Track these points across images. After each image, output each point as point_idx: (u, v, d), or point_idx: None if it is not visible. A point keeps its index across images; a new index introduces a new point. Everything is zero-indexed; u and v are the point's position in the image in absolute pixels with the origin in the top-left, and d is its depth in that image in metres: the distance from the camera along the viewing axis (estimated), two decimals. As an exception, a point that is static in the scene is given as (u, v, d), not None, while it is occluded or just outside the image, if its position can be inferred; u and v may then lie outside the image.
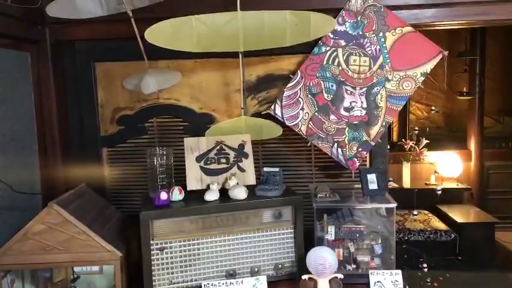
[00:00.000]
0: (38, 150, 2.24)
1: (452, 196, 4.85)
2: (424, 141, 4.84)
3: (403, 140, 4.97)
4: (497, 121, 5.77)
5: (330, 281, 1.71)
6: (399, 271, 1.78)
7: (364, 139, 2.08)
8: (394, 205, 1.83)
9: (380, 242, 1.91)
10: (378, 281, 1.78)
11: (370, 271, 1.79)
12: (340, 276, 1.73)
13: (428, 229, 4.28)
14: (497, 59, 5.55)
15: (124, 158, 2.35)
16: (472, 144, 5.18)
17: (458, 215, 4.50)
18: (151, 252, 1.75)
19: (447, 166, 5.06)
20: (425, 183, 5.03)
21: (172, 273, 1.78)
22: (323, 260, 1.70)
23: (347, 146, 2.09)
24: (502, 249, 4.43)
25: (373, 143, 2.09)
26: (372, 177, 1.91)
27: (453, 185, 5.00)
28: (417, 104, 5.82)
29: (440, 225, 4.35)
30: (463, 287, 3.39)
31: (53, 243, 1.78)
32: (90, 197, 2.11)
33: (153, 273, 1.75)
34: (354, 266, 1.89)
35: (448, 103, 5.85)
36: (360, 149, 2.09)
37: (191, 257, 1.79)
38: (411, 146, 4.90)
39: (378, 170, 1.94)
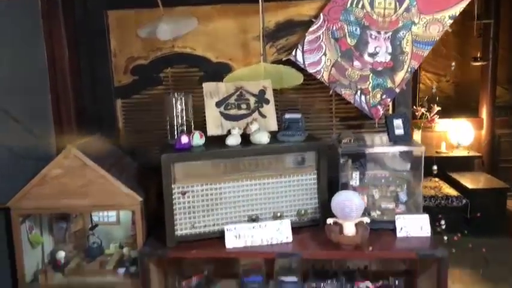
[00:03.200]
0: (51, 101, 2.19)
1: (463, 164, 4.82)
2: (436, 108, 4.77)
3: (414, 106, 4.88)
4: (507, 90, 5.68)
5: (356, 225, 1.68)
6: (426, 215, 1.74)
7: (388, 86, 2.02)
8: (422, 148, 1.78)
9: (405, 188, 1.86)
10: (404, 226, 1.73)
11: (396, 216, 1.75)
12: (367, 220, 1.69)
13: (440, 195, 4.25)
14: (509, 27, 5.41)
15: (139, 109, 2.28)
16: (484, 112, 5.11)
17: (469, 181, 4.47)
18: (173, 196, 1.71)
19: (458, 134, 5.00)
20: (436, 151, 4.99)
21: (194, 217, 1.74)
22: (349, 202, 1.66)
23: (371, 93, 2.02)
24: (513, 217, 4.40)
25: (397, 90, 2.02)
26: (398, 123, 1.85)
27: (464, 153, 4.96)
28: (426, 73, 5.72)
29: (452, 192, 4.33)
30: (475, 250, 3.37)
31: (72, 188, 1.74)
32: (106, 146, 2.06)
33: (175, 217, 1.71)
34: (378, 212, 1.84)
35: (458, 72, 5.76)
36: (384, 96, 2.02)
37: (213, 202, 1.75)
38: (422, 113, 4.83)
39: (404, 115, 1.88)
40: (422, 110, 4.82)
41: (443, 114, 4.94)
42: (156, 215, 1.88)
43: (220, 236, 1.72)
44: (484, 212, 4.09)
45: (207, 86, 1.90)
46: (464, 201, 4.20)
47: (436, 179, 4.59)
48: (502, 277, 3.26)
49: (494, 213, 4.20)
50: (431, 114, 4.80)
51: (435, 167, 3.71)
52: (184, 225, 1.73)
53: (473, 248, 3.34)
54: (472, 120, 5.06)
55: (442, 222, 2.76)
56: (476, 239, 3.60)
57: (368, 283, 1.80)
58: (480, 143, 5.12)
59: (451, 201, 4.22)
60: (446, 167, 4.64)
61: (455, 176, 4.62)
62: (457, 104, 5.66)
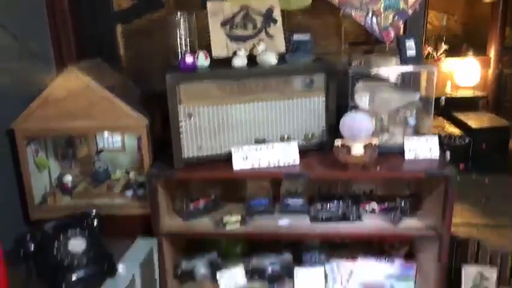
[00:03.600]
0: (49, 28, 2.10)
1: (468, 104, 4.76)
2: (443, 47, 4.64)
3: (421, 45, 4.74)
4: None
5: (364, 146, 1.66)
6: (436, 136, 1.72)
7: (401, 7, 1.92)
8: (435, 68, 1.73)
9: (415, 112, 1.83)
10: (413, 148, 1.72)
11: (405, 136, 1.73)
12: (376, 142, 1.67)
13: (443, 134, 4.25)
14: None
15: (140, 34, 2.19)
16: (492, 52, 4.98)
17: (473, 120, 4.45)
18: (179, 118, 1.67)
19: (464, 74, 4.90)
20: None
21: (201, 139, 1.72)
22: (358, 122, 1.63)
23: (382, 15, 1.93)
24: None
25: (410, 12, 1.93)
26: (410, 44, 1.78)
27: (469, 93, 4.89)
28: (432, 10, 5.51)
29: (455, 131, 4.31)
30: (477, 186, 3.40)
31: (75, 109, 1.71)
32: (108, 70, 2.00)
33: (181, 139, 1.69)
34: (386, 136, 1.82)
35: (466, 11, 5.56)
36: (396, 18, 1.93)
37: (220, 124, 1.72)
38: (429, 53, 4.71)
39: (416, 36, 1.80)
40: (429, 48, 4.69)
41: (450, 53, 4.82)
42: (162, 141, 1.86)
43: (227, 159, 1.71)
44: (486, 150, 4.10)
45: (211, 5, 1.81)
46: (467, 139, 4.20)
47: (440, 118, 4.57)
48: (502, 211, 3.31)
49: (497, 152, 4.21)
50: (438, 53, 4.68)
51: (443, 98, 3.68)
52: (191, 147, 1.72)
53: (475, 184, 3.39)
54: (479, 59, 4.94)
55: (447, 153, 2.78)
56: (479, 176, 3.65)
57: (374, 204, 1.82)
58: (486, 83, 5.03)
59: (454, 139, 4.22)
60: (451, 107, 4.60)
61: (460, 115, 4.58)
62: (465, 43, 5.51)
